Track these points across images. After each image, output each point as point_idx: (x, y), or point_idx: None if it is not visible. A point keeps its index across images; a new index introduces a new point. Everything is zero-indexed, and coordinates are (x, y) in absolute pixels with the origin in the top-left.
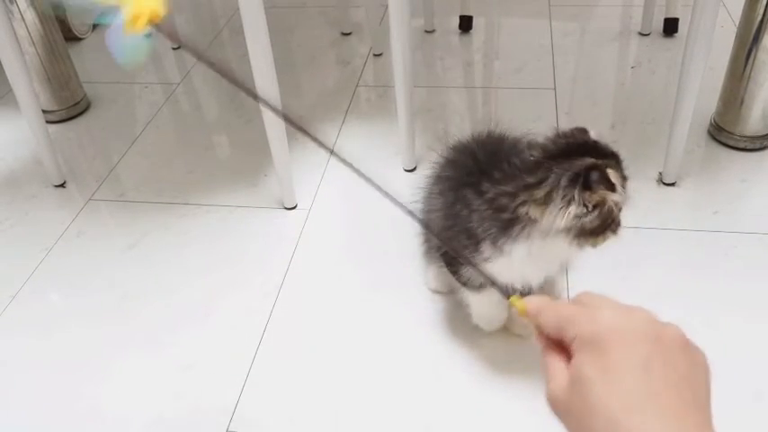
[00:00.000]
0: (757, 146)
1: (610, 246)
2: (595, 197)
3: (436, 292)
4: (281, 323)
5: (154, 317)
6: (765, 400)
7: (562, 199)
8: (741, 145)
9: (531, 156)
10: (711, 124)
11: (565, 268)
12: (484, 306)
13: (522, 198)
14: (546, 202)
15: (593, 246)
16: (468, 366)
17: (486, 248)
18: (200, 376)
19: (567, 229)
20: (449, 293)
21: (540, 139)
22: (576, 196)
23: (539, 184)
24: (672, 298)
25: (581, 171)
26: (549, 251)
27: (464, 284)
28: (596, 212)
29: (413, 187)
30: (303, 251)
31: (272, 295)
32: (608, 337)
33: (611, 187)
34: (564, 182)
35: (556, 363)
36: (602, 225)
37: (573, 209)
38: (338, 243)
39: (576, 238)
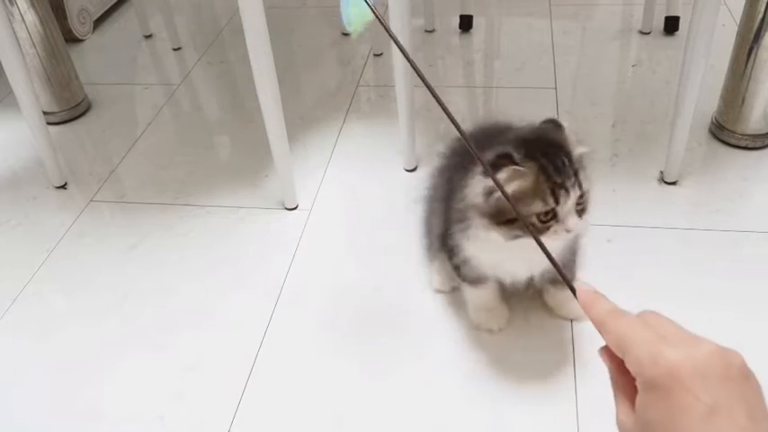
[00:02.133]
0: (758, 144)
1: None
2: (488, 183)
3: (439, 291)
4: (283, 323)
5: (155, 317)
6: None
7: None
8: (742, 143)
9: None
10: (712, 123)
11: (572, 260)
12: (482, 302)
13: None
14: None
15: (505, 238)
16: (470, 365)
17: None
18: (201, 377)
19: (482, 213)
20: (451, 292)
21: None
22: (481, 177)
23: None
24: (674, 296)
25: (493, 156)
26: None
27: (463, 279)
28: (490, 198)
29: (413, 186)
30: (304, 251)
31: (274, 296)
32: (671, 381)
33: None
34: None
35: (621, 392)
36: (497, 215)
37: (473, 188)
38: (339, 243)
39: (493, 225)
